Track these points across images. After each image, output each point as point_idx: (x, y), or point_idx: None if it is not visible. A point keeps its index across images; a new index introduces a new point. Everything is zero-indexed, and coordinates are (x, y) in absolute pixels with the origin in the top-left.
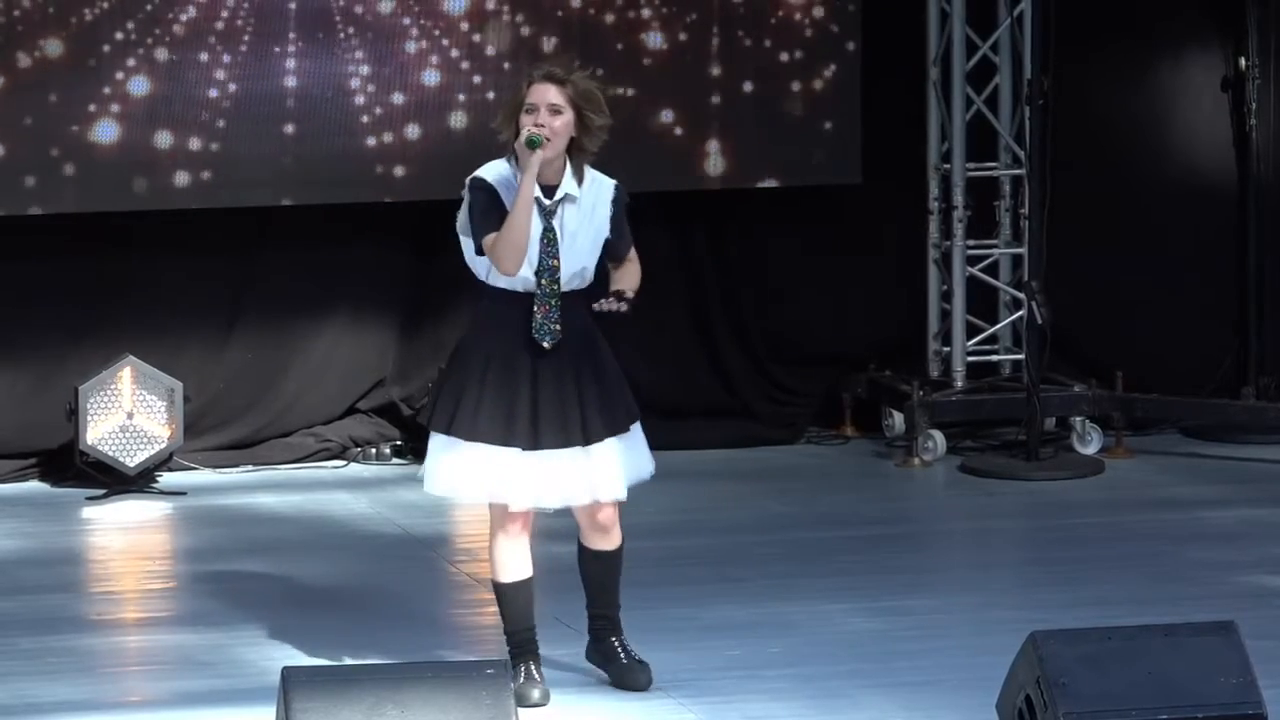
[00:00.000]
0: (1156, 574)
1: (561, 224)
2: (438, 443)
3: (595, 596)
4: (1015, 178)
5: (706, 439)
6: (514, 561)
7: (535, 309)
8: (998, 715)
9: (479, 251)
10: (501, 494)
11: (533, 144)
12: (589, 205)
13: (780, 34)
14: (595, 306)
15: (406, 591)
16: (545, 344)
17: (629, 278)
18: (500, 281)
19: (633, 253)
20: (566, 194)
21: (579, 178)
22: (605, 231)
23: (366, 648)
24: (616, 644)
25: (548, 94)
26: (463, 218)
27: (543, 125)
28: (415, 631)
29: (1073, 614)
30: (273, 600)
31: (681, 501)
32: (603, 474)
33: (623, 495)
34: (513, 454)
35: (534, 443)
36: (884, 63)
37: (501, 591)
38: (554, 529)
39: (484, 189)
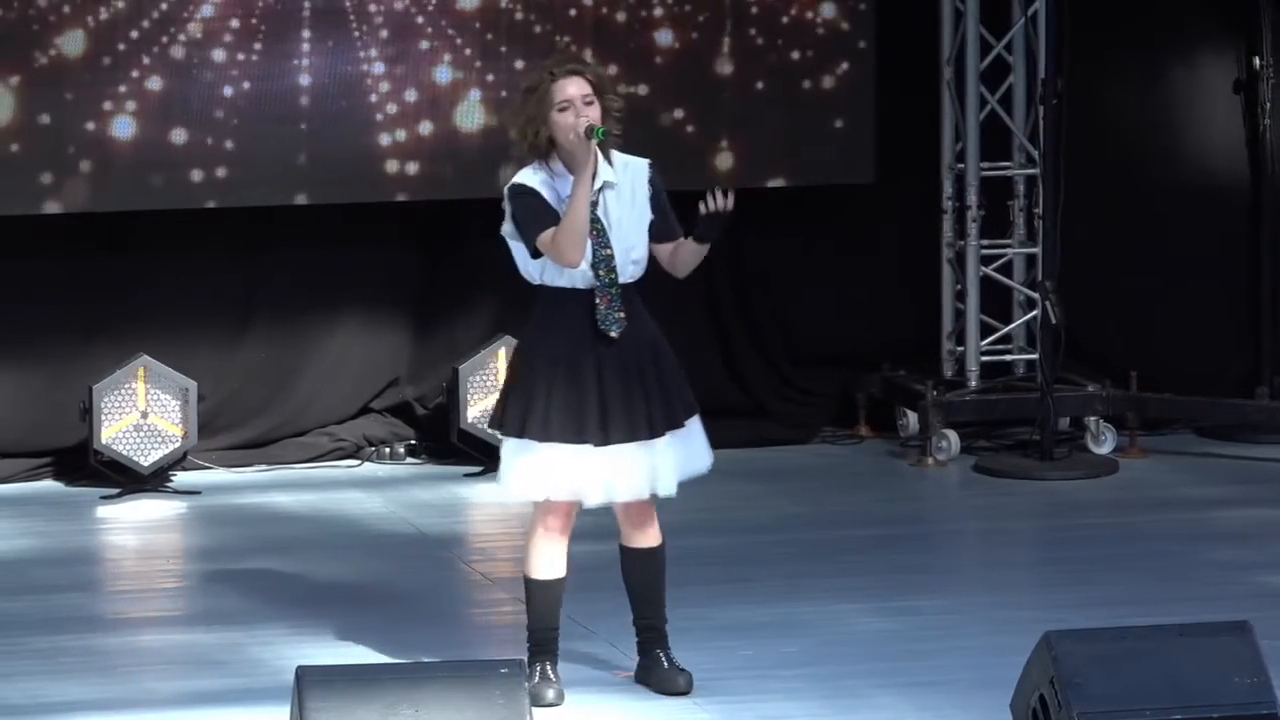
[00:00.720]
0: (1170, 574)
1: (606, 212)
2: (511, 447)
3: (640, 604)
4: (1029, 177)
5: (720, 439)
6: (550, 560)
7: (597, 300)
8: (1011, 715)
9: (534, 254)
10: (577, 491)
11: (600, 134)
12: (628, 190)
13: (793, 33)
14: (703, 205)
15: (421, 591)
16: (613, 333)
17: (689, 254)
18: (558, 280)
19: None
20: (605, 182)
21: (611, 164)
22: (648, 213)
23: (381, 647)
24: (661, 655)
25: (578, 87)
26: (509, 225)
27: (584, 118)
28: (429, 631)
29: (1087, 614)
30: (287, 599)
31: (695, 501)
32: (659, 468)
33: (673, 491)
34: (585, 450)
35: (604, 438)
36: (897, 62)
37: (532, 587)
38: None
39: (527, 193)
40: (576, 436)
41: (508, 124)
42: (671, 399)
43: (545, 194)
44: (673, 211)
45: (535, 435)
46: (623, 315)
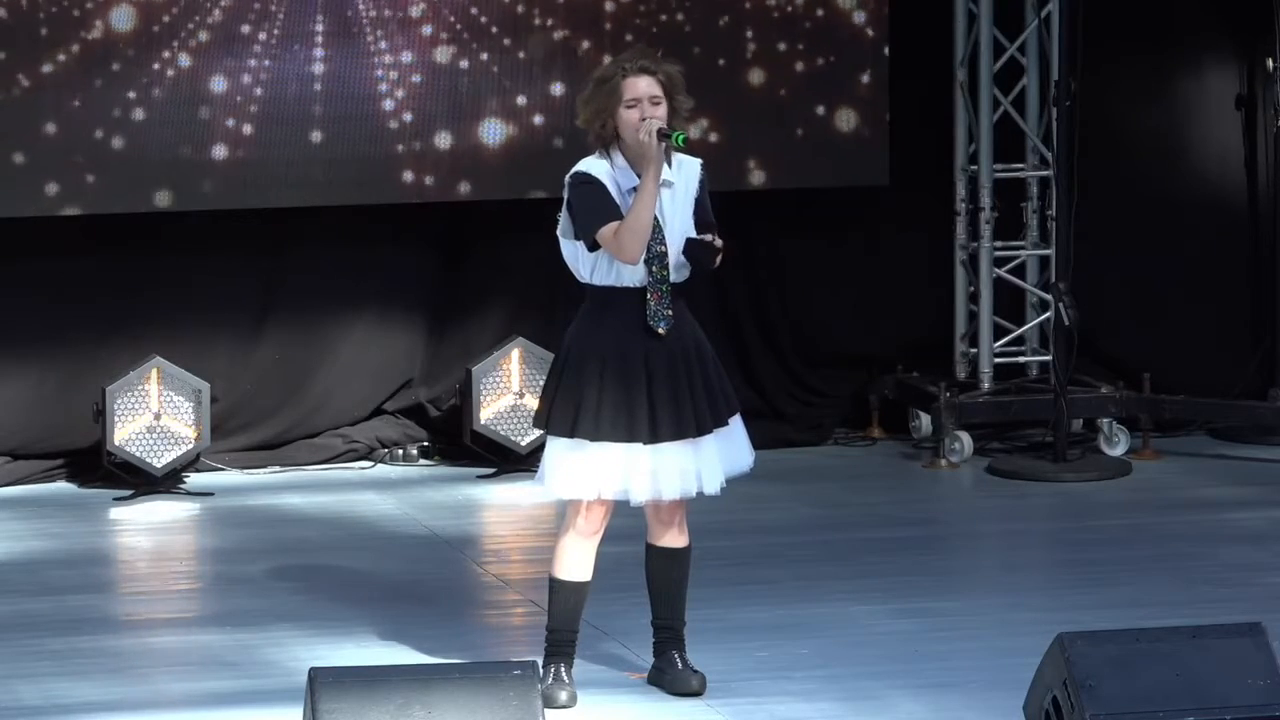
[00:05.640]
0: (1184, 576)
1: (661, 211)
2: (559, 446)
3: (661, 605)
4: (1042, 179)
5: None
6: (578, 561)
7: (649, 296)
8: (1024, 717)
9: (591, 247)
10: (625, 489)
11: (680, 141)
12: (682, 190)
13: (807, 36)
14: (691, 237)
15: (433, 592)
16: (660, 330)
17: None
18: (606, 279)
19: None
20: (664, 181)
21: (669, 163)
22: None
23: (393, 648)
24: (676, 656)
25: (648, 85)
26: (565, 221)
27: (648, 118)
28: (442, 632)
29: (1100, 615)
30: (299, 601)
31: (709, 502)
32: (705, 467)
33: (718, 489)
34: (635, 449)
35: (653, 436)
36: (911, 64)
37: (556, 587)
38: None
39: (592, 182)
40: (627, 435)
41: (577, 112)
42: (716, 397)
43: (609, 185)
44: (712, 214)
45: (586, 434)
46: (671, 314)
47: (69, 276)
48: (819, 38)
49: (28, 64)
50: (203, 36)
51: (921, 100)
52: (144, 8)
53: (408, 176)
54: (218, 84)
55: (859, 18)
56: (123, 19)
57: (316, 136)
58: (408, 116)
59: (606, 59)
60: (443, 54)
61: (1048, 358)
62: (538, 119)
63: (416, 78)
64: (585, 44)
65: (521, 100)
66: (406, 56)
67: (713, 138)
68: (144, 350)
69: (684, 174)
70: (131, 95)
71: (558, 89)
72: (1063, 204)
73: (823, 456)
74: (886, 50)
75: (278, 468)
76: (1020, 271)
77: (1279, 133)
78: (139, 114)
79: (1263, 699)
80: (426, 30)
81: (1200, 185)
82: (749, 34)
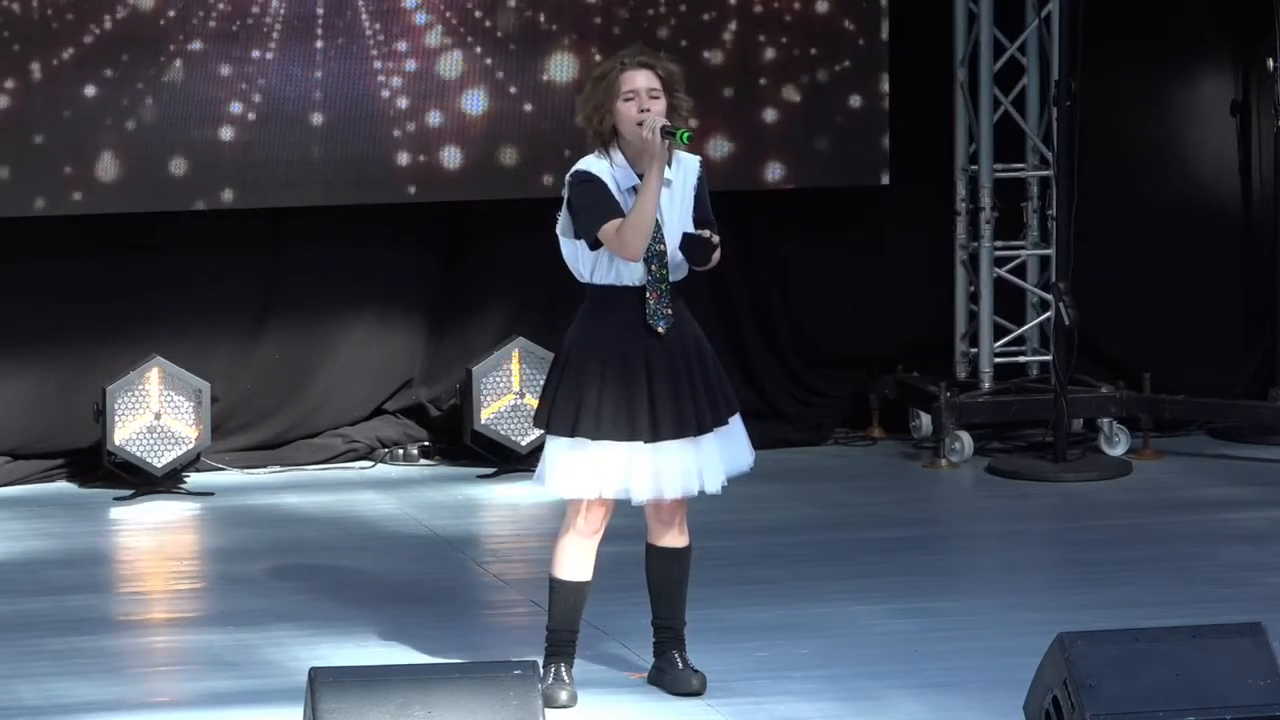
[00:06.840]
0: (1184, 575)
1: (661, 209)
2: (559, 445)
3: (661, 604)
4: (1043, 179)
5: None
6: (579, 561)
7: (648, 295)
8: (1024, 717)
9: (593, 245)
10: (626, 488)
11: (685, 138)
12: (680, 188)
13: (807, 34)
14: (688, 232)
15: (434, 592)
16: (660, 329)
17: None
18: (606, 278)
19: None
20: (664, 179)
21: (669, 162)
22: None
23: (393, 648)
24: (676, 656)
25: (646, 79)
26: (565, 220)
27: (647, 110)
28: (442, 632)
29: (1100, 615)
30: (299, 601)
31: (709, 502)
32: (706, 466)
33: (719, 488)
34: (636, 447)
35: (654, 435)
36: (911, 64)
37: (557, 587)
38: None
39: (593, 180)
40: (628, 434)
41: (577, 109)
42: (716, 396)
43: (608, 183)
44: (711, 212)
45: (587, 433)
46: (670, 312)
47: (69, 276)
48: (818, 37)
49: (28, 62)
50: (204, 37)
51: (921, 100)
52: (147, 4)
53: (407, 176)
54: (219, 84)
55: (858, 17)
56: (124, 17)
57: (317, 136)
58: (407, 114)
59: (594, 51)
60: (441, 52)
61: (1048, 358)
62: (527, 106)
63: (415, 76)
64: (575, 37)
65: (513, 90)
66: (406, 56)
67: (712, 137)
68: (144, 350)
69: (682, 171)
70: (133, 94)
71: (546, 78)
72: (1063, 204)
73: (823, 456)
74: (887, 49)
75: (278, 468)
76: (1020, 271)
77: (1279, 133)
78: (139, 114)
79: (1263, 699)
80: (426, 29)
81: (1199, 186)
82: (747, 33)
